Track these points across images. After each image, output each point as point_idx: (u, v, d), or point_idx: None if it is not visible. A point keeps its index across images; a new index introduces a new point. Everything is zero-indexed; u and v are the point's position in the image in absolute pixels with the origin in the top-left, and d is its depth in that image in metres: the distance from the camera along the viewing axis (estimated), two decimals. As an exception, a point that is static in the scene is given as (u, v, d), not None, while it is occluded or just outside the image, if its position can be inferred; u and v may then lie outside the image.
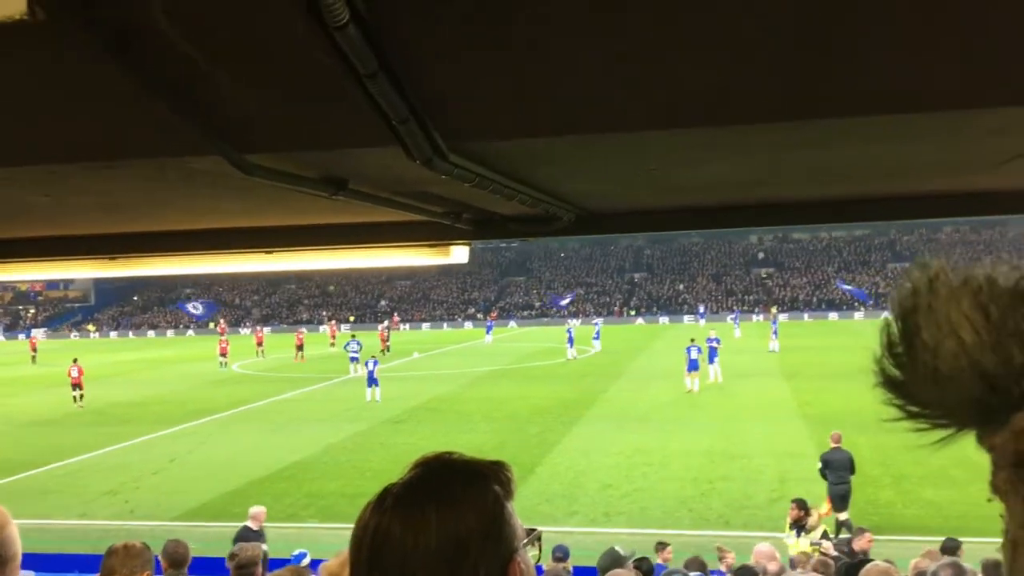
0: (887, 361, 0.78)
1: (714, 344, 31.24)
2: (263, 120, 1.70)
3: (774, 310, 61.43)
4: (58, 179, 2.03)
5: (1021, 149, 2.11)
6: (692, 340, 30.84)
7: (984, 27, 1.42)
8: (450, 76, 1.57)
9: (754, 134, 1.75)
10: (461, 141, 1.75)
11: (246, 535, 9.83)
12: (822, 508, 13.17)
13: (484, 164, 1.99)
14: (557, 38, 1.49)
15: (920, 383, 0.76)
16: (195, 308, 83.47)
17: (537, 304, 79.96)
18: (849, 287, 53.45)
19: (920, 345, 0.75)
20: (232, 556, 7.35)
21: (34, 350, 53.40)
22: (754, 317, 64.61)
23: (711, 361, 30.79)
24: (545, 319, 74.95)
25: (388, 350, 46.85)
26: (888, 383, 0.79)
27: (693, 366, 29.37)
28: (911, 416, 0.78)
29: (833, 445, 13.78)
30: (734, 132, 1.71)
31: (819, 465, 13.88)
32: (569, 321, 54.38)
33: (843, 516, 13.31)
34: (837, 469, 13.46)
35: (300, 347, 46.39)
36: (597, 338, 46.25)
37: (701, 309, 72.67)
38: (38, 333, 79.26)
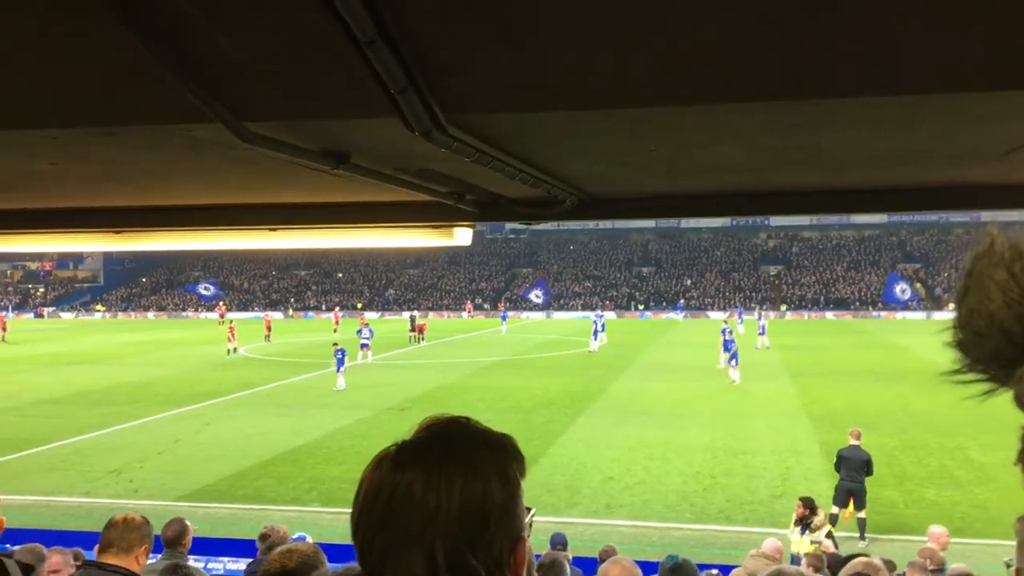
0: (954, 320, 0.88)
1: (728, 338, 31.15)
2: (263, 88, 1.71)
3: (780, 310, 60.92)
4: (61, 145, 2.04)
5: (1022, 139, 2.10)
6: (725, 322, 30.87)
7: (988, 9, 1.41)
8: (450, 48, 1.57)
9: (753, 113, 1.74)
10: (460, 114, 1.75)
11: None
12: (840, 511, 13.17)
13: (484, 139, 1.99)
14: (555, 13, 1.49)
15: (966, 340, 0.85)
16: (205, 290, 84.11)
17: (542, 294, 79.99)
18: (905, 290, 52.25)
19: (966, 307, 0.85)
20: (264, 537, 7.43)
21: (3, 328, 50.93)
22: (755, 314, 64.21)
23: (729, 354, 30.45)
24: (557, 310, 75.47)
25: None
26: (952, 341, 0.87)
27: (731, 353, 29.69)
28: (962, 370, 0.86)
29: (852, 442, 13.64)
30: (731, 111, 1.71)
31: (834, 459, 13.83)
32: (595, 314, 54.30)
33: (860, 514, 13.27)
34: (850, 467, 13.39)
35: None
36: (603, 331, 46.26)
37: (680, 303, 73.13)
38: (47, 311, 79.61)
